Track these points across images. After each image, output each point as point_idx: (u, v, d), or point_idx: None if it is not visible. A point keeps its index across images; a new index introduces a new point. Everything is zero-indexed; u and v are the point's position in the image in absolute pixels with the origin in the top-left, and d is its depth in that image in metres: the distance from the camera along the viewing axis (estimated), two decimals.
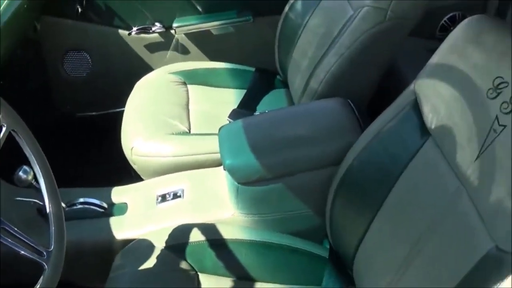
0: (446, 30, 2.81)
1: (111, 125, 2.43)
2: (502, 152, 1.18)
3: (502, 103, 1.21)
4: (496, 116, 1.22)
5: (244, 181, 1.76)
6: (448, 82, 1.41)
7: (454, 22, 2.83)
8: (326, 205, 1.72)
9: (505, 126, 1.19)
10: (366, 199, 1.56)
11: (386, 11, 1.92)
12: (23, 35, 2.62)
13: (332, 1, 2.27)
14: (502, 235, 1.12)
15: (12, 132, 1.43)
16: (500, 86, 1.24)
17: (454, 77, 1.39)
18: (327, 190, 1.72)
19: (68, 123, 2.91)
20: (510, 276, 1.05)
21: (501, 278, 1.07)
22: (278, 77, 2.66)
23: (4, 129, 1.38)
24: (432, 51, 1.56)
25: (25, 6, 2.38)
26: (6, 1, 2.25)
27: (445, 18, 2.83)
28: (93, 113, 2.95)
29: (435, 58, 1.51)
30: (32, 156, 1.46)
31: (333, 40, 2.08)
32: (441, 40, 1.71)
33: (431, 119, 1.42)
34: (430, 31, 2.79)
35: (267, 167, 1.74)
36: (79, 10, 2.74)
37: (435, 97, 1.44)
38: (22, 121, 1.46)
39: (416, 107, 1.50)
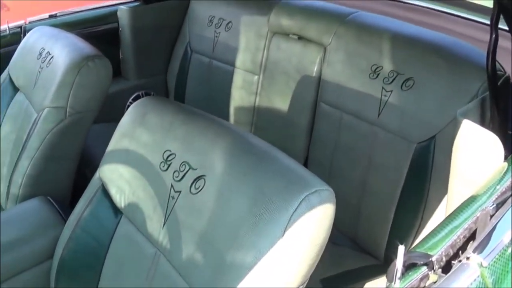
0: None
1: None
2: (183, 214, 1.27)
3: (174, 172, 1.32)
4: (171, 184, 1.31)
5: None
6: (126, 164, 1.48)
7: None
8: None
9: (180, 191, 1.29)
10: (83, 285, 1.57)
11: (65, 109, 1.97)
12: None
13: (18, 107, 2.27)
14: (201, 285, 1.21)
15: None
16: (169, 158, 1.34)
17: (130, 159, 1.47)
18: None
19: None
20: None
21: None
22: None
23: None
24: None
25: None
26: None
27: (130, 99, 2.97)
28: None
29: (111, 145, 1.57)
30: None
31: (23, 144, 2.08)
32: None
33: (119, 199, 1.48)
34: (120, 113, 2.87)
35: None
36: None
37: (118, 179, 1.50)
38: None
39: (104, 191, 1.55)
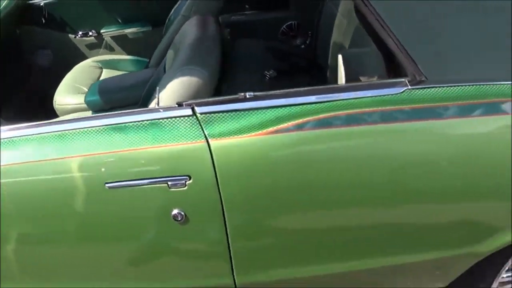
0: (285, 35, 3.88)
1: None
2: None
3: None
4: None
5: (93, 109, 2.95)
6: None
7: (291, 28, 3.90)
8: None
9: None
10: None
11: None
12: (9, 35, 3.76)
13: None
14: None
15: None
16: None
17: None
18: None
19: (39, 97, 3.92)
20: None
21: None
22: None
23: None
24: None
25: (8, 17, 3.59)
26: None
27: (284, 26, 3.90)
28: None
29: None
30: None
31: None
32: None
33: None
34: (273, 34, 3.87)
35: (104, 102, 2.95)
36: (43, 21, 3.96)
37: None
38: None
39: None
